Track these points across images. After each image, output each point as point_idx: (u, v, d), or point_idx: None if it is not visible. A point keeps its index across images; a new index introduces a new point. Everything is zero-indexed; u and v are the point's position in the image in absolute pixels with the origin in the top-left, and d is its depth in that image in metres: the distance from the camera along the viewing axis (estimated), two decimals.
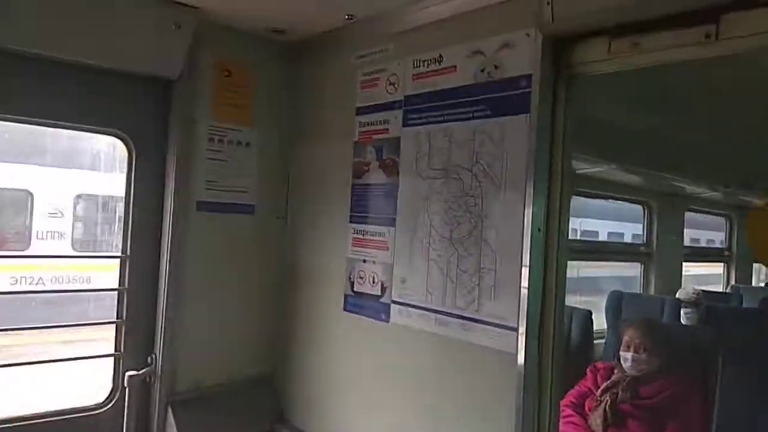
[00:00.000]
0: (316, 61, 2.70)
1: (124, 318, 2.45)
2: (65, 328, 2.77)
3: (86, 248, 9.98)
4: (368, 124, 2.40)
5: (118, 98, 2.43)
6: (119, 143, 2.48)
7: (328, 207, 2.58)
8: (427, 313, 2.09)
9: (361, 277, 2.37)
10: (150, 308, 2.49)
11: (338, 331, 2.46)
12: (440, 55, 2.13)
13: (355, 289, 2.39)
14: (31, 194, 9.46)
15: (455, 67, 2.08)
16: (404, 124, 2.25)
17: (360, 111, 2.45)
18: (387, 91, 2.33)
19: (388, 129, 2.31)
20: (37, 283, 9.54)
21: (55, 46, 2.16)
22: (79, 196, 9.80)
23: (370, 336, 2.31)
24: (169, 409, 2.41)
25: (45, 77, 2.23)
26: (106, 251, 10.29)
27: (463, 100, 2.04)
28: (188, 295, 2.52)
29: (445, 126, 2.09)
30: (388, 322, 2.23)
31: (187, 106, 2.51)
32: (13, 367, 2.34)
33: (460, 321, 1.97)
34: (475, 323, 1.92)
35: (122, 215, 2.50)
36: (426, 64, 2.19)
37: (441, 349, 2.03)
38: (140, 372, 2.40)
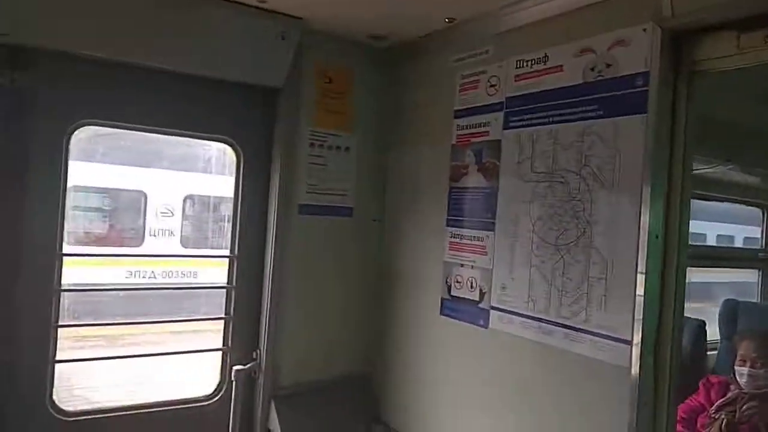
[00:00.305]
0: (413, 65, 2.71)
1: (232, 314, 2.58)
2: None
3: (193, 245, 10.70)
4: (467, 127, 2.37)
5: (228, 106, 2.57)
6: (229, 149, 2.62)
7: (425, 210, 2.58)
8: (529, 320, 2.02)
9: (458, 282, 2.34)
10: (255, 306, 2.62)
11: (435, 335, 2.45)
12: (545, 54, 2.06)
13: (452, 294, 2.37)
14: (145, 195, 10.27)
15: (561, 66, 2.00)
16: (505, 127, 2.20)
17: (458, 114, 2.42)
18: (487, 93, 2.29)
19: (488, 131, 2.27)
20: (149, 277, 10.36)
21: (170, 60, 2.33)
22: (187, 197, 10.53)
23: (469, 341, 2.28)
24: (272, 404, 2.51)
25: (161, 88, 2.40)
26: (211, 248, 11.01)
27: (570, 100, 1.95)
28: (290, 295, 2.61)
29: (550, 128, 2.02)
30: (487, 328, 2.19)
31: (290, 112, 2.61)
32: (131, 358, 2.55)
33: (566, 331, 1.89)
34: (582, 333, 1.84)
35: (224, 215, 2.65)
36: (529, 64, 2.13)
37: (544, 358, 1.96)
38: (246, 366, 2.53)
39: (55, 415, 2.18)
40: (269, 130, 2.65)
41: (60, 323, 2.21)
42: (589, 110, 1.90)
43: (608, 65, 1.85)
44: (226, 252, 2.65)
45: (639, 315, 1.68)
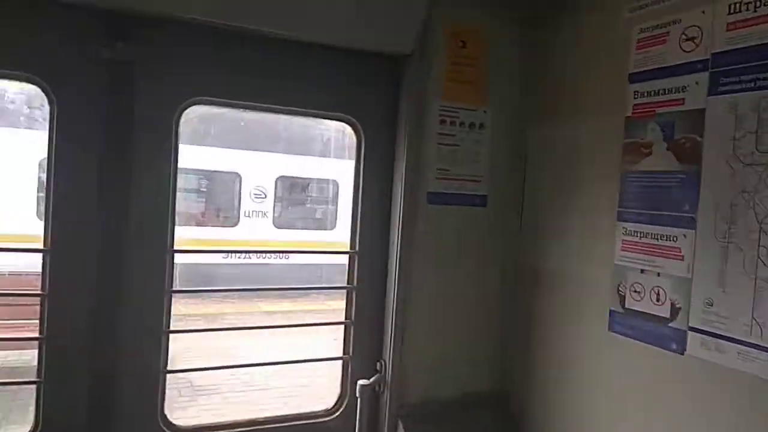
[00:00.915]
0: (567, 21, 2.22)
1: (353, 318, 2.26)
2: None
3: (285, 226, 10.80)
4: (650, 93, 1.87)
5: (347, 79, 2.22)
6: (348, 128, 2.28)
7: (583, 200, 2.11)
8: (752, 350, 1.52)
9: (637, 291, 1.87)
10: (378, 310, 2.28)
11: (599, 355, 2.00)
12: None
13: (626, 306, 1.90)
14: (240, 176, 10.39)
15: None
16: (712, 92, 1.67)
17: (636, 77, 1.92)
18: (682, 48, 1.77)
19: (683, 99, 1.76)
20: (244, 257, 10.53)
21: (287, 24, 1.99)
22: (279, 178, 10.58)
23: (652, 368, 1.81)
24: (400, 424, 2.18)
25: (275, 59, 2.08)
26: (302, 229, 11.01)
27: None
28: (417, 297, 2.25)
29: None
30: (682, 354, 1.71)
31: (418, 84, 2.22)
32: (244, 368, 2.31)
33: None
34: None
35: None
36: (751, 7, 1.59)
37: None
38: (371, 381, 2.20)
39: (167, 430, 1.96)
40: (393, 105, 2.28)
41: (171, 329, 1.97)
42: None
43: None
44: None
45: None
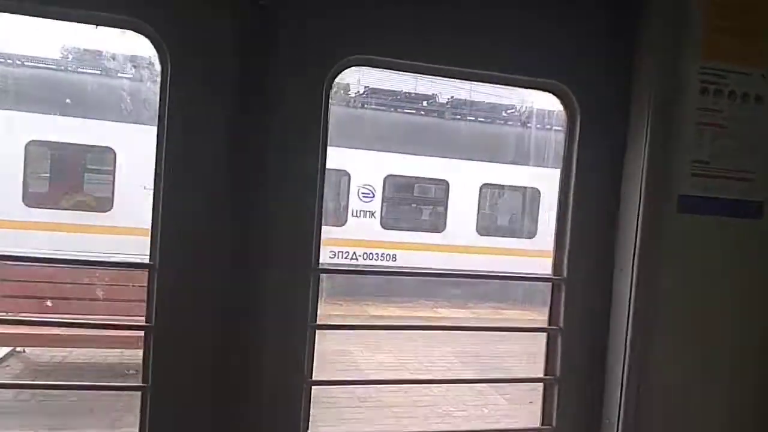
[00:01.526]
0: None
1: (558, 374, 1.58)
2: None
3: (393, 226, 10.38)
4: None
5: (558, 33, 1.55)
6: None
7: None
8: None
9: None
10: (597, 361, 1.58)
11: None
12: None
13: None
14: (349, 175, 10.05)
15: None
16: None
17: None
18: None
19: None
20: (351, 258, 10.20)
21: None
22: (387, 177, 10.15)
23: None
24: None
25: (455, 4, 1.47)
26: (413, 230, 10.49)
27: None
28: (661, 346, 1.54)
29: None
30: None
31: (666, 37, 1.51)
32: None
33: None
34: None
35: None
36: None
37: None
38: None
39: None
40: (625, 69, 1.57)
41: (314, 379, 1.41)
42: None
43: None
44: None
45: None
